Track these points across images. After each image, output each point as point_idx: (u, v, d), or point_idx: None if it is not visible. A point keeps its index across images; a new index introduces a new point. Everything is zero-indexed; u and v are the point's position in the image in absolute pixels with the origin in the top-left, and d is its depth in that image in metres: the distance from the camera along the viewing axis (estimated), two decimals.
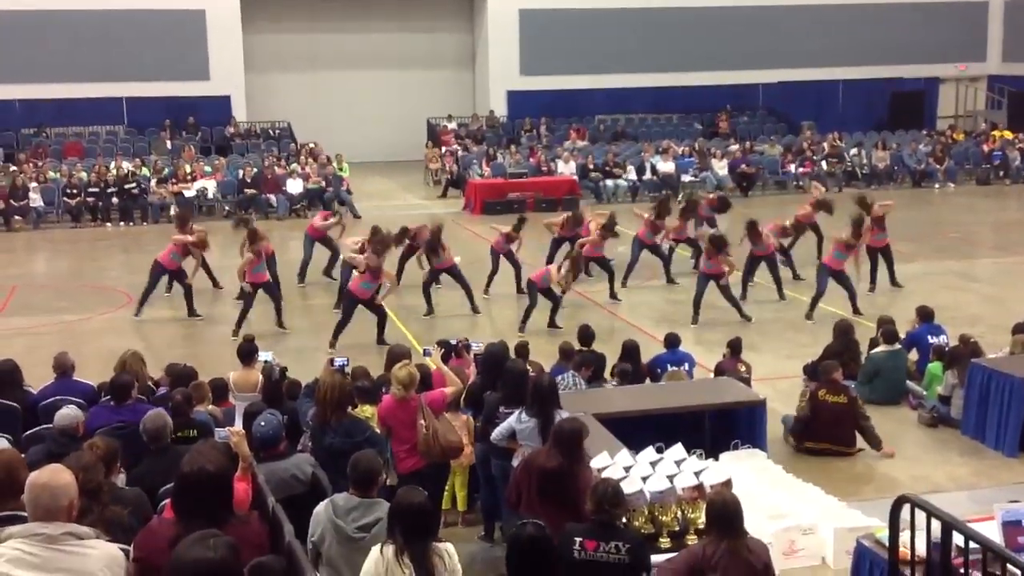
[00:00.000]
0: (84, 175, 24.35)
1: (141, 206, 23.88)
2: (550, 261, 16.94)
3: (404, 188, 27.15)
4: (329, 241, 17.21)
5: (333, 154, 26.65)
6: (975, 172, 28.55)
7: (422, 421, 7.41)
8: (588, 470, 6.50)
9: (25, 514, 4.26)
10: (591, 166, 26.30)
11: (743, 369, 10.71)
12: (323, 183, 24.86)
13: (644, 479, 6.56)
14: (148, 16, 28.98)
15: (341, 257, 16.10)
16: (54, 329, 14.68)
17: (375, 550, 5.24)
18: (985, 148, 29.04)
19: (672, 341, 11.09)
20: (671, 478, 6.58)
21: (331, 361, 9.41)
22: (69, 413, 6.94)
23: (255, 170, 24.78)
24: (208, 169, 25.31)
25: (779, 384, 11.69)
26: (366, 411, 8.08)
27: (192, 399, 8.22)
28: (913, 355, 11.79)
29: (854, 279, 14.94)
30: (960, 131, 32.07)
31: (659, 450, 7.12)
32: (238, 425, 7.62)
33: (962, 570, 5.40)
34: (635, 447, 7.26)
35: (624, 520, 6.03)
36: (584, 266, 15.52)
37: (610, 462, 6.79)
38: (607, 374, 10.55)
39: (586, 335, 10.91)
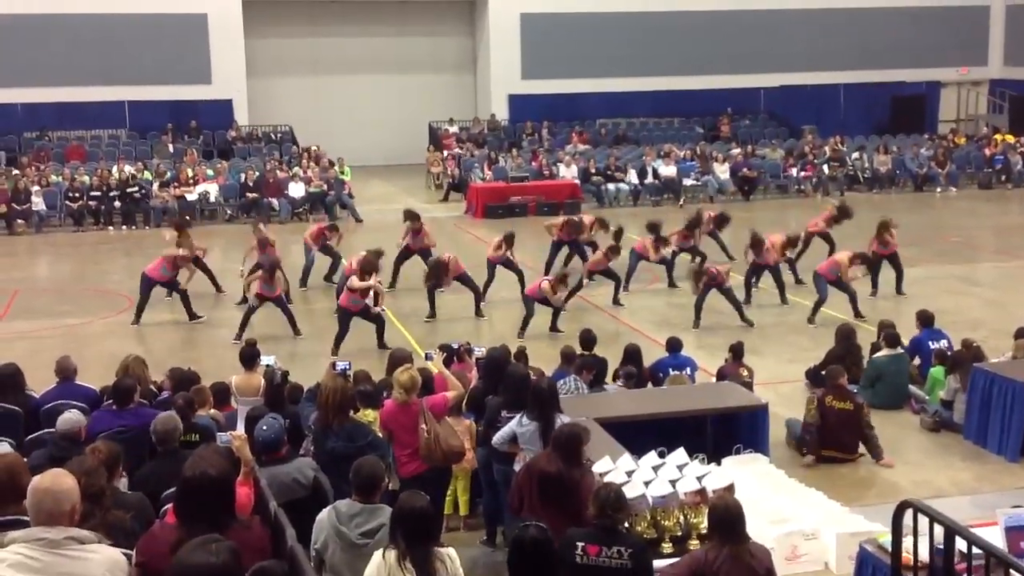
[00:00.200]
0: (86, 179, 24.37)
1: (143, 210, 23.90)
2: (549, 265, 16.97)
3: (406, 192, 27.15)
4: (329, 248, 17.21)
5: (335, 158, 26.68)
6: (977, 176, 28.54)
7: (424, 425, 7.41)
8: (590, 475, 6.50)
9: (27, 518, 4.26)
10: (593, 170, 26.30)
11: (745, 373, 10.70)
12: (325, 187, 24.87)
13: (646, 484, 6.55)
14: (150, 20, 29.03)
15: (342, 262, 16.16)
16: (56, 333, 14.68)
17: (377, 555, 5.24)
18: (987, 152, 29.03)
19: (674, 345, 11.09)
20: (673, 483, 6.57)
21: (333, 365, 9.42)
22: (71, 417, 6.94)
23: (257, 174, 24.80)
24: (210, 173, 25.33)
25: (781, 388, 11.70)
26: (368, 415, 8.07)
27: (194, 403, 8.22)
28: (915, 361, 11.78)
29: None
30: (962, 135, 32.07)
31: (661, 455, 7.12)
32: (240, 429, 7.62)
33: (965, 575, 5.40)
34: (637, 452, 7.25)
35: (626, 525, 6.03)
36: (588, 274, 15.59)
37: (612, 467, 6.78)
38: (609, 378, 10.54)
39: (588, 339, 10.90)
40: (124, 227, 23.63)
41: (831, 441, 9.71)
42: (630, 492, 6.18)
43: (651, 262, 16.67)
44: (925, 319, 12.02)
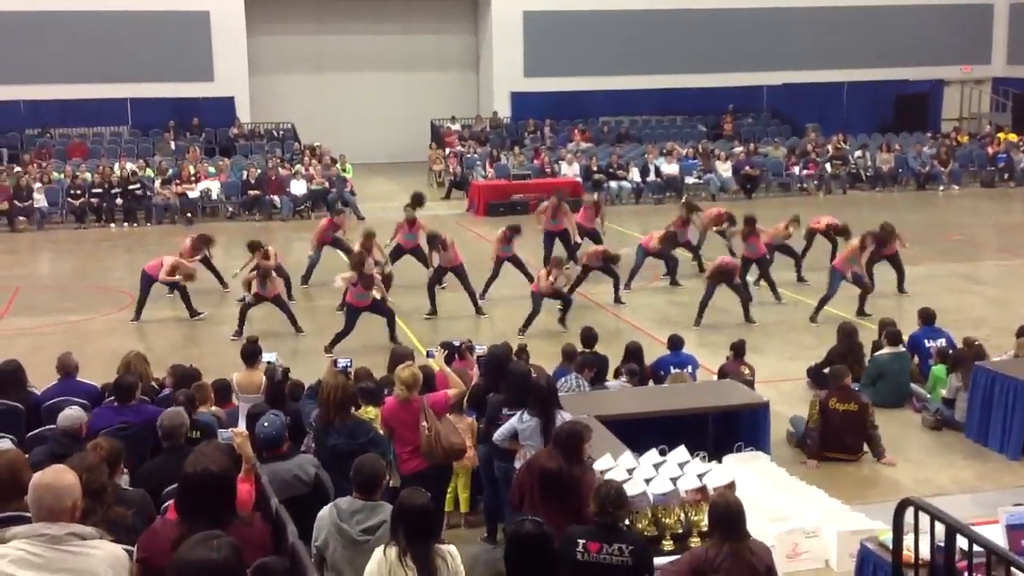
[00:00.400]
0: (88, 176, 24.39)
1: (145, 207, 23.91)
2: (546, 262, 16.91)
3: (407, 189, 26.84)
4: (340, 242, 17.13)
5: (337, 155, 26.69)
6: (979, 174, 28.53)
7: (425, 423, 7.41)
8: (591, 472, 6.50)
9: (29, 515, 4.26)
10: (595, 168, 26.29)
11: (746, 371, 10.70)
12: (327, 184, 24.88)
13: (647, 481, 6.56)
14: (152, 17, 29.03)
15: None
16: (58, 330, 14.70)
17: (378, 551, 5.25)
18: (990, 150, 29.01)
19: (675, 343, 11.08)
20: (674, 480, 6.58)
21: (334, 362, 9.42)
22: (72, 414, 6.94)
23: (259, 171, 24.81)
24: (212, 170, 25.35)
25: (782, 386, 11.70)
26: (369, 412, 8.08)
27: (195, 400, 8.23)
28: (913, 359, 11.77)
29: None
30: (964, 133, 32.04)
31: (662, 452, 7.12)
32: (241, 426, 7.63)
33: (966, 574, 5.40)
34: (638, 449, 7.26)
35: (627, 522, 6.03)
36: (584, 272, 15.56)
37: (613, 464, 6.79)
38: (610, 376, 10.54)
39: (589, 337, 10.90)
40: (126, 224, 23.64)
41: (834, 444, 9.68)
42: (631, 489, 6.19)
43: (652, 253, 16.59)
44: (926, 317, 12.01)
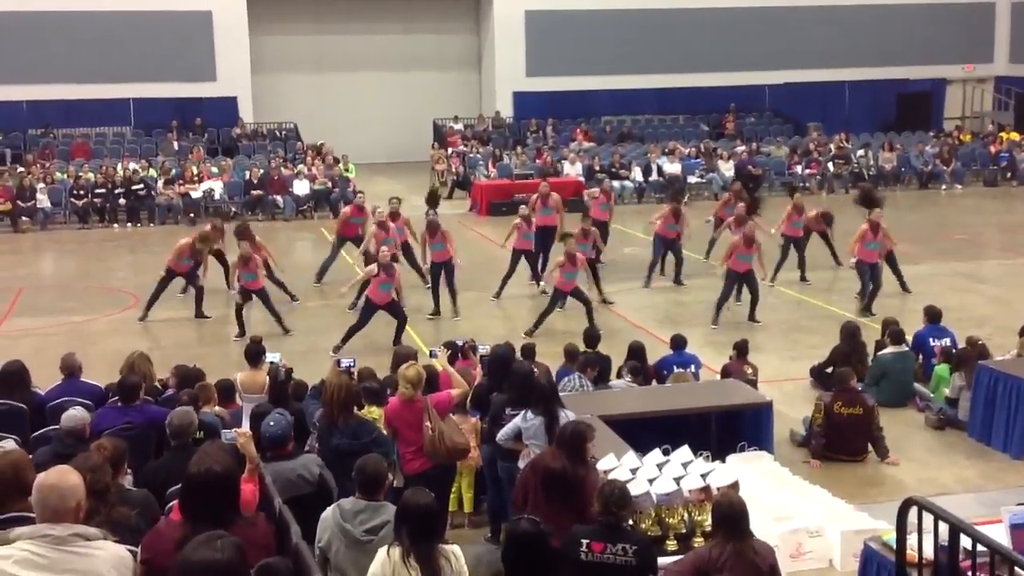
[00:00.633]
0: (91, 176, 24.41)
1: (148, 207, 23.92)
2: (545, 260, 16.91)
3: (410, 189, 27.08)
4: (360, 239, 16.94)
5: (339, 155, 26.70)
6: (982, 173, 28.49)
7: (428, 423, 7.41)
8: (594, 472, 6.51)
9: (33, 515, 4.27)
10: (597, 167, 26.29)
11: (749, 371, 10.69)
12: (329, 184, 24.90)
13: (651, 481, 6.56)
14: (155, 17, 29.04)
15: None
16: (61, 330, 14.71)
17: (382, 552, 5.25)
18: (992, 149, 28.97)
19: (678, 343, 11.08)
20: (678, 480, 6.58)
21: (338, 362, 9.42)
22: (76, 414, 6.95)
23: (262, 171, 24.83)
24: (215, 170, 25.36)
25: (785, 386, 11.70)
26: (373, 412, 8.08)
27: (199, 400, 8.23)
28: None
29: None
30: (967, 132, 32.01)
31: (665, 452, 7.12)
32: (245, 426, 7.64)
33: (969, 573, 5.39)
34: (641, 449, 7.26)
35: (631, 522, 6.03)
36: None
37: (617, 464, 6.79)
38: (613, 375, 10.54)
39: (592, 337, 10.90)
40: (129, 224, 23.66)
41: (838, 447, 9.66)
42: (635, 489, 6.19)
43: (670, 239, 16.54)
44: (932, 315, 11.98)
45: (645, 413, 8.92)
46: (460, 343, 10.04)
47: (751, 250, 14.42)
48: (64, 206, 23.93)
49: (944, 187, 27.49)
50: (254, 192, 24.28)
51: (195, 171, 24.79)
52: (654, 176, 26.38)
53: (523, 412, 7.36)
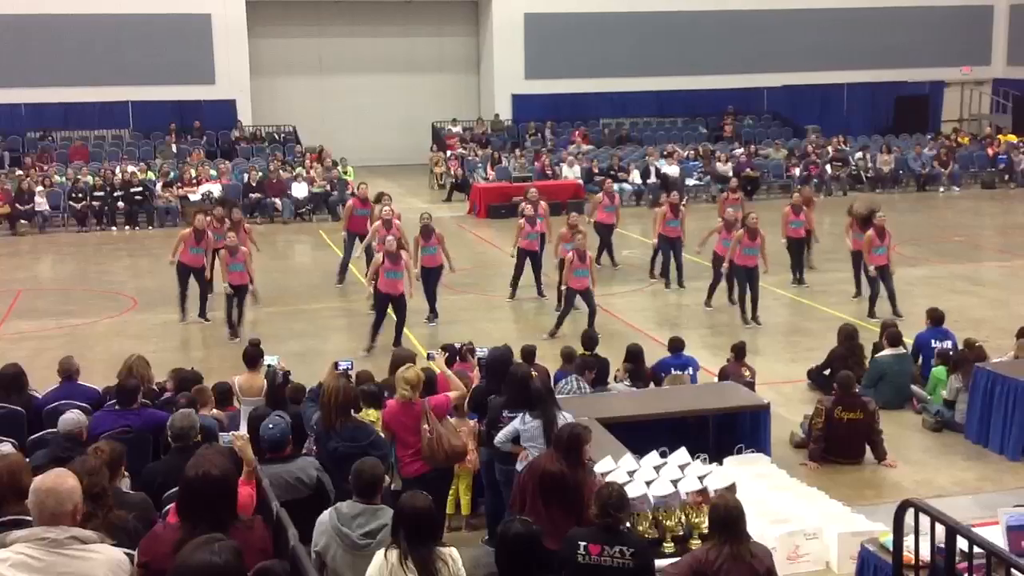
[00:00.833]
0: (90, 179, 24.39)
1: (147, 210, 23.93)
2: (518, 270, 16.85)
3: (409, 192, 27.16)
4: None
5: (338, 158, 26.71)
6: (980, 176, 28.52)
7: (426, 426, 7.41)
8: (591, 475, 6.51)
9: (30, 518, 4.27)
10: (596, 170, 26.30)
11: (747, 373, 10.69)
12: (328, 187, 24.91)
13: (648, 483, 6.56)
14: (154, 20, 29.06)
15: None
16: (59, 333, 14.71)
17: (379, 554, 5.25)
18: (990, 152, 29.00)
19: (676, 345, 11.07)
20: (675, 483, 6.58)
21: (335, 365, 9.41)
22: (73, 418, 6.96)
23: (260, 174, 24.83)
24: (213, 173, 25.36)
25: (783, 388, 11.71)
26: (370, 415, 8.08)
27: (196, 403, 8.23)
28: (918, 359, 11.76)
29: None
30: (965, 135, 32.04)
31: (663, 455, 7.13)
32: (242, 429, 7.64)
33: (966, 575, 5.40)
34: (639, 451, 7.27)
35: (628, 525, 6.03)
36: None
37: (614, 467, 6.80)
38: (611, 378, 10.54)
39: (590, 339, 10.91)
40: (127, 227, 23.66)
41: (837, 451, 9.66)
42: (632, 492, 6.19)
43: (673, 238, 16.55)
44: (934, 318, 11.97)
45: (643, 416, 8.92)
46: (458, 346, 10.03)
47: (756, 243, 14.46)
48: (63, 209, 23.92)
49: (942, 189, 27.52)
50: (253, 195, 24.28)
51: (194, 174, 24.80)
52: (652, 179, 26.38)
53: (521, 415, 7.36)
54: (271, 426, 6.67)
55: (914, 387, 11.23)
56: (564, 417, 7.23)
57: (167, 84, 29.29)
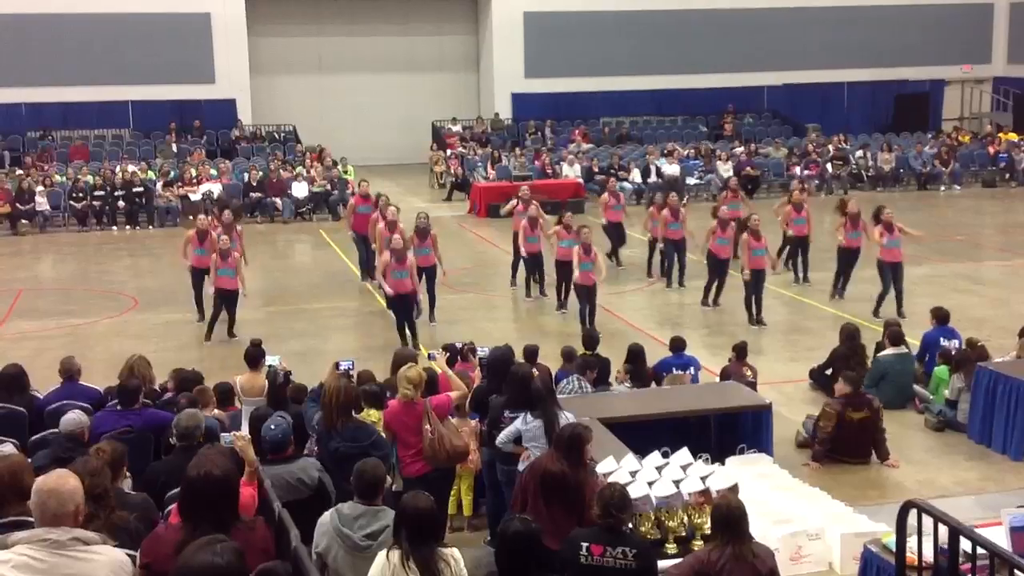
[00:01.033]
0: (90, 178, 24.40)
1: (147, 210, 23.92)
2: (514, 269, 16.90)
3: (409, 191, 27.16)
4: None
5: (338, 157, 26.71)
6: (981, 174, 28.52)
7: (427, 426, 7.40)
8: (593, 475, 6.50)
9: (32, 519, 4.26)
10: (596, 169, 26.29)
11: (749, 373, 10.68)
12: (328, 186, 24.90)
13: (650, 484, 6.55)
14: (154, 20, 29.07)
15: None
16: (60, 333, 14.70)
17: (381, 555, 5.24)
18: (991, 150, 28.99)
19: (677, 345, 11.06)
20: (677, 483, 6.57)
21: (336, 364, 9.40)
22: (75, 418, 6.94)
23: (260, 173, 24.83)
24: (214, 172, 25.36)
25: (785, 388, 11.70)
26: (372, 415, 8.07)
27: (197, 404, 8.21)
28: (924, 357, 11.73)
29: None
30: (965, 133, 32.04)
31: (665, 455, 7.12)
32: (244, 429, 7.62)
33: (969, 575, 5.39)
34: (641, 452, 7.25)
35: (630, 525, 6.02)
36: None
37: (616, 467, 6.78)
38: (612, 379, 10.53)
39: (591, 339, 10.89)
40: (128, 227, 23.66)
41: (846, 450, 9.64)
42: (634, 492, 6.18)
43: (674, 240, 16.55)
44: (940, 317, 11.95)
45: (644, 416, 8.91)
46: (459, 345, 10.03)
47: (761, 243, 14.47)
48: (63, 208, 23.93)
49: (943, 188, 27.52)
50: (253, 194, 24.28)
51: (194, 173, 24.80)
52: (653, 177, 26.37)
53: (523, 415, 7.36)
54: (272, 427, 6.66)
55: (916, 387, 11.22)
56: (565, 417, 7.22)
57: (167, 83, 29.30)
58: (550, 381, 8.96)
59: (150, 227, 23.64)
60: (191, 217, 22.92)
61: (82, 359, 9.54)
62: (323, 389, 7.75)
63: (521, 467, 7.12)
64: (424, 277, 14.47)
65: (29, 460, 5.79)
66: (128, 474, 6.24)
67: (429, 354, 9.94)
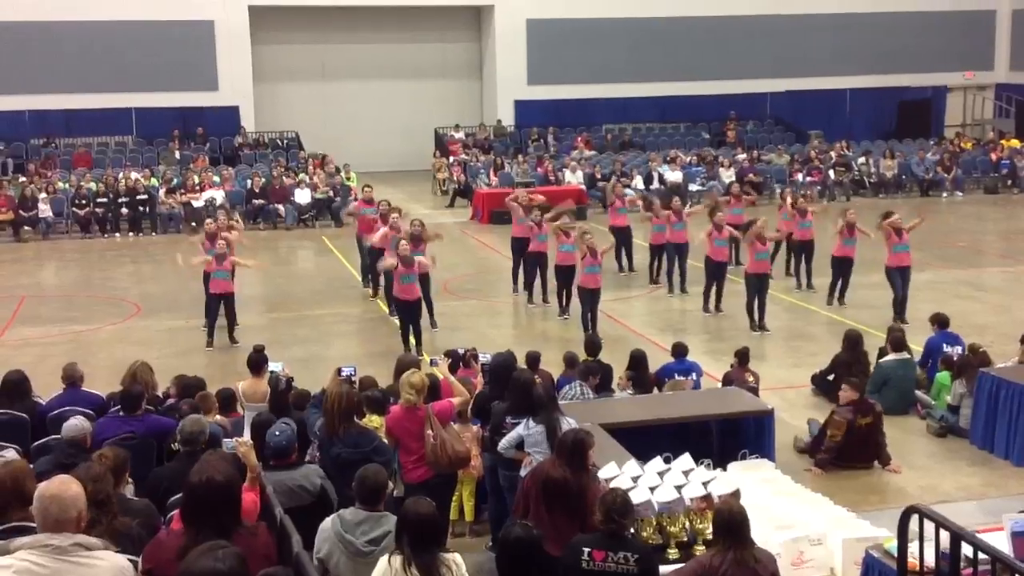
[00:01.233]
0: (93, 185, 24.44)
1: (150, 216, 23.95)
2: (514, 275, 16.88)
3: (412, 198, 27.18)
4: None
5: (341, 164, 26.74)
6: (983, 181, 28.51)
7: (430, 431, 7.41)
8: (595, 481, 6.50)
9: (34, 525, 4.27)
10: (598, 175, 26.32)
11: (751, 379, 10.68)
12: (331, 193, 24.94)
13: (652, 489, 6.55)
14: (157, 27, 29.12)
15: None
16: (63, 339, 14.72)
17: (383, 560, 5.25)
18: (993, 157, 28.98)
19: (679, 351, 11.06)
20: (679, 488, 6.56)
21: (338, 371, 9.41)
22: (77, 424, 6.95)
23: (263, 180, 24.87)
24: (217, 179, 25.39)
25: (787, 394, 11.69)
26: (374, 421, 8.08)
27: (200, 410, 8.23)
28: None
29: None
30: (968, 140, 32.02)
31: (667, 460, 7.12)
32: (246, 436, 7.63)
33: None
34: (643, 457, 7.25)
35: (632, 531, 6.03)
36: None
37: (618, 472, 6.78)
38: (614, 384, 10.53)
39: (593, 344, 10.89)
40: (131, 234, 23.69)
41: (852, 456, 9.65)
42: (636, 498, 6.18)
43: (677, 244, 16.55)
44: (941, 322, 11.95)
45: (646, 421, 8.91)
46: (461, 351, 10.03)
47: (767, 246, 14.49)
48: (66, 215, 23.96)
49: (945, 194, 27.50)
50: (256, 201, 24.32)
51: (197, 180, 24.83)
52: (655, 184, 26.38)
53: (525, 420, 7.36)
54: (277, 433, 6.66)
55: (918, 392, 11.21)
56: (567, 423, 7.23)
57: (170, 91, 29.34)
58: (552, 387, 8.97)
59: (153, 234, 23.67)
60: (193, 224, 23.11)
61: (85, 365, 9.56)
62: (325, 395, 7.76)
63: (523, 473, 7.12)
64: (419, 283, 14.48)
65: (31, 466, 5.81)
66: (130, 480, 6.24)
67: (431, 360, 9.95)
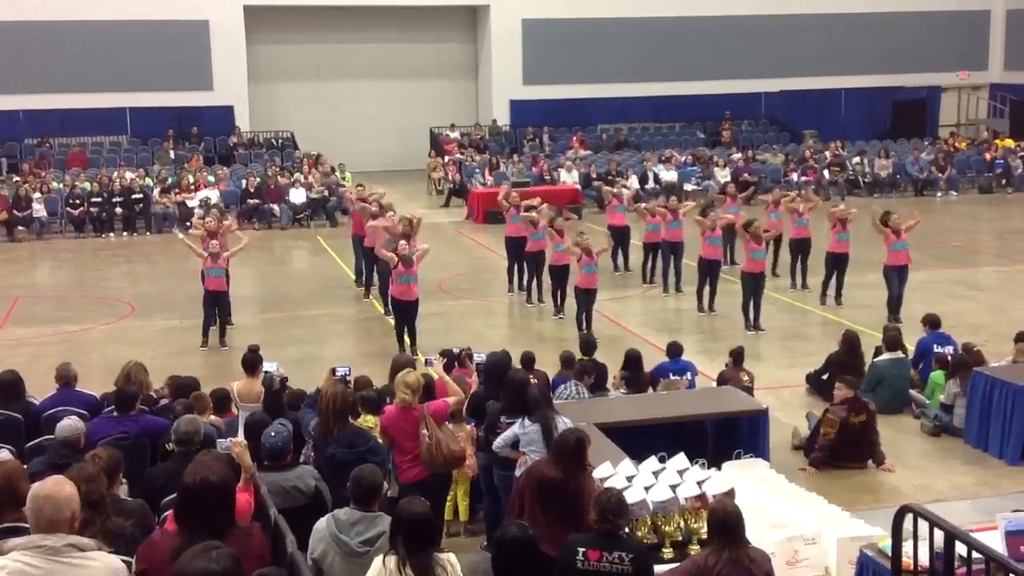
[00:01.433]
0: (87, 185, 24.40)
1: (144, 216, 23.92)
2: (510, 273, 16.88)
3: (407, 197, 27.10)
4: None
5: (336, 164, 26.72)
6: (977, 180, 28.55)
7: (425, 431, 7.40)
8: (590, 480, 6.50)
9: (27, 525, 4.26)
10: (594, 175, 26.32)
11: (746, 378, 10.68)
12: (326, 192, 24.92)
13: (647, 489, 6.55)
14: (152, 27, 29.06)
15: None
16: (57, 339, 14.69)
17: (377, 561, 5.24)
18: (987, 156, 29.04)
19: (674, 350, 11.07)
20: (674, 488, 6.57)
21: (333, 371, 9.40)
22: (71, 424, 6.94)
23: (258, 180, 24.84)
24: (211, 179, 25.37)
25: (782, 393, 11.71)
26: (369, 421, 8.07)
27: (194, 410, 8.21)
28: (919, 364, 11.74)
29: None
30: (962, 139, 32.07)
31: (662, 460, 7.12)
32: (240, 436, 7.62)
33: None
34: (638, 457, 7.25)
35: (627, 530, 6.03)
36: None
37: (613, 472, 6.78)
38: (609, 384, 10.53)
39: (588, 344, 10.89)
40: (125, 233, 23.64)
41: (845, 455, 9.66)
42: (631, 497, 6.18)
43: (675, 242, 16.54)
44: (933, 323, 11.97)
45: (641, 421, 8.91)
46: (456, 351, 10.03)
47: (761, 245, 14.50)
48: (60, 215, 23.92)
49: (939, 194, 27.55)
50: (251, 201, 24.29)
51: (191, 180, 24.80)
52: (650, 184, 26.41)
53: (520, 420, 7.35)
54: (273, 434, 6.65)
55: (912, 392, 11.23)
56: (562, 422, 7.22)
57: (165, 90, 29.28)
58: (547, 387, 8.97)
59: (147, 233, 23.64)
60: (188, 223, 23.06)
61: (79, 365, 9.54)
62: (320, 395, 7.75)
63: (518, 472, 7.12)
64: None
65: (25, 466, 5.80)
66: (124, 480, 6.23)
67: (426, 360, 9.93)
